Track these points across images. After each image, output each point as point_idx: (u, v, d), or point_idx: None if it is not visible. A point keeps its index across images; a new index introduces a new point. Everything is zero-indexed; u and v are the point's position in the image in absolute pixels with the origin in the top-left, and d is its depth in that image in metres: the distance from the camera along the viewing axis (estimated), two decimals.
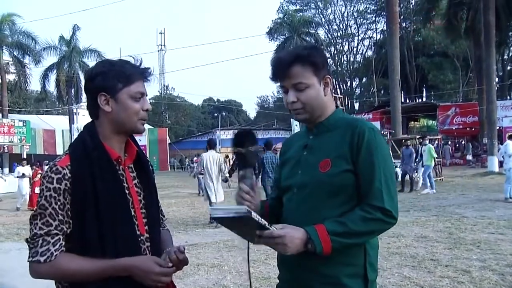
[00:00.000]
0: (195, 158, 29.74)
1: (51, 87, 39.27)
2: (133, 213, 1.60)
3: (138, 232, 1.61)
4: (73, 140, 1.80)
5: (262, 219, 1.47)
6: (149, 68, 1.67)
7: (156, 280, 1.50)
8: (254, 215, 1.45)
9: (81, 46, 38.32)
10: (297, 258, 1.55)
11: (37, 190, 15.00)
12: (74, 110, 34.73)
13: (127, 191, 1.60)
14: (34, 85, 45.57)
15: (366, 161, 1.60)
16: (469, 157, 28.18)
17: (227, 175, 9.90)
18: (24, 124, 27.36)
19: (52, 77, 38.04)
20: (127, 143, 1.69)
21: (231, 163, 12.26)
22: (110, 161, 1.58)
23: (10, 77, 41.19)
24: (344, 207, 1.62)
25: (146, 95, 1.65)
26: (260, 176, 10.32)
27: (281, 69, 1.68)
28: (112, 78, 1.57)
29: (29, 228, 1.50)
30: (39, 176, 15.46)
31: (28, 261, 1.48)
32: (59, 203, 1.48)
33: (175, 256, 1.55)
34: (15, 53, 35.80)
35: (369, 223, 1.56)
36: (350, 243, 1.57)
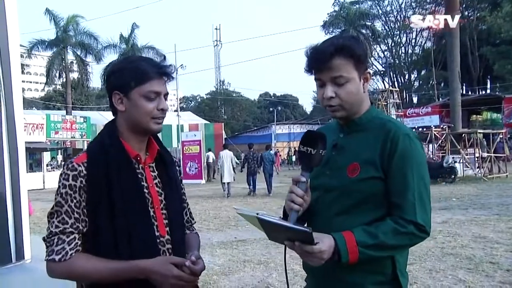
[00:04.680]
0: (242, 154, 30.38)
1: None
2: (152, 213, 1.55)
3: (157, 233, 1.56)
4: None
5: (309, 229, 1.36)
6: (170, 65, 1.60)
7: (175, 284, 1.43)
8: (313, 233, 1.35)
9: (139, 44, 39.54)
10: (322, 265, 1.44)
11: None
12: None
13: (146, 191, 1.56)
14: (96, 83, 47.59)
15: (399, 171, 1.49)
16: None
17: (235, 165, 15.97)
18: (85, 120, 28.59)
19: None
20: (148, 141, 1.65)
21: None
22: (127, 158, 1.54)
23: (74, 75, 43.27)
24: (373, 214, 1.51)
25: (167, 94, 1.59)
26: (262, 168, 15.66)
27: (320, 60, 1.53)
28: (126, 76, 1.53)
29: (47, 227, 1.50)
30: None
31: (44, 259, 1.48)
32: (75, 200, 1.46)
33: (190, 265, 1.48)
34: (78, 53, 37.54)
35: (401, 237, 1.45)
36: (378, 256, 1.46)
